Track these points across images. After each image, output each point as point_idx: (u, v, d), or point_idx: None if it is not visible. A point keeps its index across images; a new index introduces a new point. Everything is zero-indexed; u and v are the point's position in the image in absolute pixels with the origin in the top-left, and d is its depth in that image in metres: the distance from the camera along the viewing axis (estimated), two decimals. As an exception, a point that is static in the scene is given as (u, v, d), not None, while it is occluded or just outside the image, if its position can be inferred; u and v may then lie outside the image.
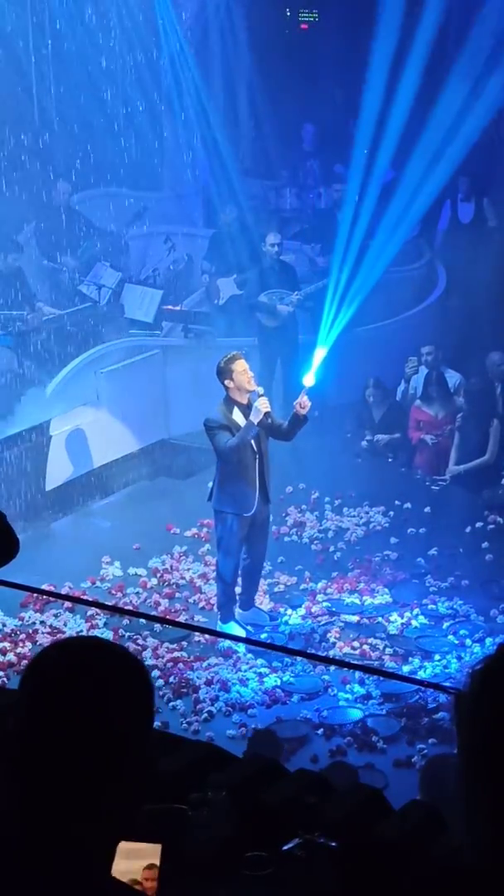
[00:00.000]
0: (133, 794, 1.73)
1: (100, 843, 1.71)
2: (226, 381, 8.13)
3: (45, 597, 8.58)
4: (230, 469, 8.16)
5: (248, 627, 8.44)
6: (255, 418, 8.04)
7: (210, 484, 8.39)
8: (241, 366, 8.13)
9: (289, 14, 14.93)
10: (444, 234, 12.70)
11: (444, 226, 12.67)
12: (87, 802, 1.68)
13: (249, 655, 8.21)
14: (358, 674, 7.82)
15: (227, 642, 8.22)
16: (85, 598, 8.66)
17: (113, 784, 1.70)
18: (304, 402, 8.20)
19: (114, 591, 9.01)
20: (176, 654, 8.19)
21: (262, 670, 8.03)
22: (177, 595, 9.01)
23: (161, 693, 7.72)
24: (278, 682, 7.89)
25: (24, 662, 7.95)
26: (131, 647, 8.16)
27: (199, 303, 12.29)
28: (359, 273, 10.79)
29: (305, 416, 8.25)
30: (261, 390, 8.23)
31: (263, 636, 8.34)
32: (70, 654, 1.76)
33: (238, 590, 8.56)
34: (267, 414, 8.10)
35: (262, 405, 8.06)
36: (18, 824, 1.69)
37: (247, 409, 8.13)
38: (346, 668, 7.81)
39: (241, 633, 8.31)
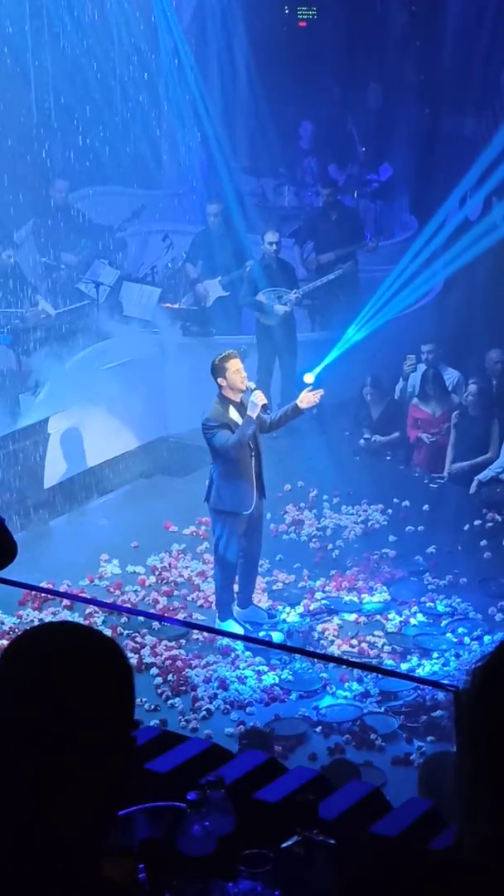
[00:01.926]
0: (114, 781, 1.71)
1: (81, 833, 1.68)
2: (219, 380, 8.10)
3: (43, 594, 8.58)
4: (229, 468, 8.13)
5: (247, 625, 8.43)
6: (253, 413, 8.01)
7: (207, 483, 8.36)
8: (234, 365, 8.09)
9: (287, 11, 14.91)
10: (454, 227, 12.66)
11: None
12: (65, 791, 1.66)
13: (248, 653, 8.21)
14: (356, 671, 7.82)
15: (226, 640, 8.22)
16: (83, 595, 8.66)
17: (93, 770, 1.68)
18: (316, 399, 8.19)
19: (112, 589, 9.01)
20: (174, 651, 8.18)
21: (261, 668, 8.04)
22: (175, 593, 9.01)
23: (160, 691, 7.73)
24: (276, 680, 7.89)
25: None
26: (130, 644, 8.16)
27: (196, 301, 12.28)
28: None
29: (301, 410, 8.25)
30: (252, 385, 8.21)
31: (262, 634, 8.34)
32: (45, 639, 1.74)
33: (235, 587, 8.55)
34: (265, 406, 8.07)
35: (259, 398, 8.02)
36: None
37: (241, 407, 8.11)
38: (344, 666, 7.81)
39: (240, 630, 8.31)
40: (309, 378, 8.70)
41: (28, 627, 7.96)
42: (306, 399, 8.22)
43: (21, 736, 1.65)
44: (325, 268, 11.92)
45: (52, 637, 1.75)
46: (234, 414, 8.10)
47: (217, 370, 8.09)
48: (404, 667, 7.96)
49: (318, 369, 9.71)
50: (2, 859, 1.65)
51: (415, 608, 8.72)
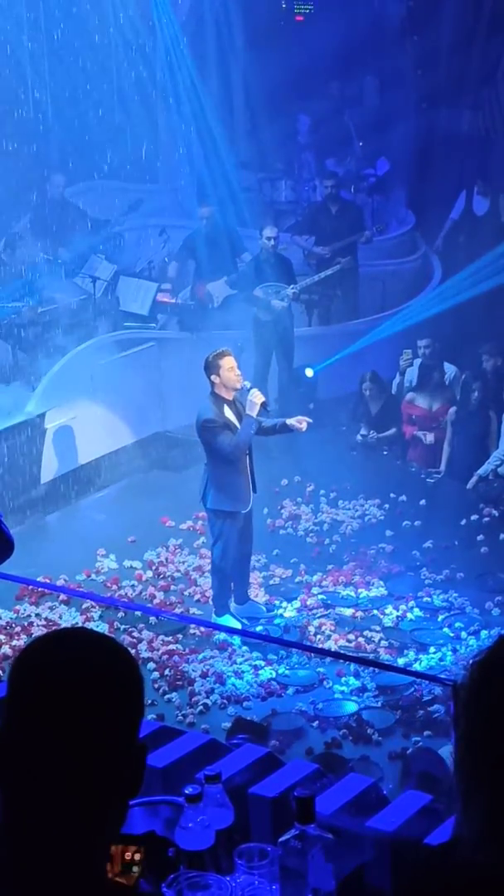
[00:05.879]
0: (125, 790, 1.72)
1: (94, 843, 1.69)
2: (212, 377, 8.07)
3: (40, 589, 8.58)
4: (228, 468, 8.09)
5: (244, 620, 8.43)
6: (253, 411, 7.99)
7: (202, 483, 8.32)
8: (228, 363, 8.05)
9: (284, 6, 14.90)
10: (454, 223, 12.67)
11: (457, 216, 12.63)
12: (77, 801, 1.66)
13: (245, 648, 8.21)
14: (353, 666, 7.83)
15: (223, 635, 8.23)
16: (80, 590, 8.66)
17: (104, 781, 1.68)
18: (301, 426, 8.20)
19: (109, 584, 9.01)
20: (171, 646, 8.19)
21: (258, 663, 8.04)
22: (172, 588, 9.02)
23: (157, 685, 7.73)
24: (273, 675, 7.89)
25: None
26: (127, 639, 8.17)
27: (201, 303, 12.25)
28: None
29: (289, 428, 8.24)
30: (248, 384, 8.19)
31: (259, 629, 8.34)
32: (58, 648, 1.73)
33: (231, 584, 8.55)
34: (263, 404, 8.05)
35: (256, 397, 8.00)
36: (4, 829, 1.67)
37: (234, 405, 8.10)
38: (341, 661, 7.82)
39: (237, 625, 8.31)
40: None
41: (26, 622, 7.88)
42: (294, 423, 8.21)
43: (33, 743, 1.65)
44: (328, 261, 11.90)
45: (64, 644, 1.74)
46: (228, 413, 8.08)
47: (210, 367, 8.06)
48: (401, 661, 7.98)
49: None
50: (13, 863, 1.65)
51: (412, 603, 8.72)
